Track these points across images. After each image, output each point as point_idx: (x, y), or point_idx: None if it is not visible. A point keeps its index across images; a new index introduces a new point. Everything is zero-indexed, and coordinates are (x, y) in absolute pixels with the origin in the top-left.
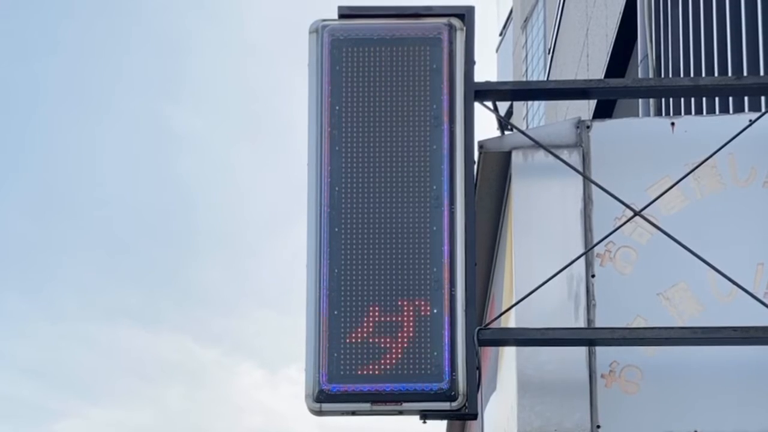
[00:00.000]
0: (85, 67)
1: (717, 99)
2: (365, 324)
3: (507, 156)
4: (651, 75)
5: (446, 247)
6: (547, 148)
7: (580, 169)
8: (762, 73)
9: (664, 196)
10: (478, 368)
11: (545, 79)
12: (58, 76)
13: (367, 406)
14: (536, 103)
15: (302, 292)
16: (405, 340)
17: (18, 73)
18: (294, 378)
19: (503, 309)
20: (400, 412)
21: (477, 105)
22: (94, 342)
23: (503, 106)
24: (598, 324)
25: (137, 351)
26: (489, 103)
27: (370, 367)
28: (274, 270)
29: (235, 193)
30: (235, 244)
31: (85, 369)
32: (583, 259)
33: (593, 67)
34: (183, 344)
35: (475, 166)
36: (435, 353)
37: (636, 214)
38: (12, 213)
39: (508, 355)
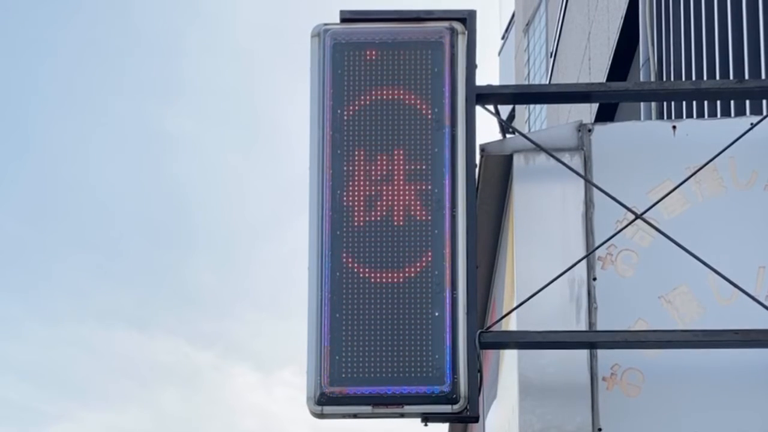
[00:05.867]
0: (81, 71)
1: (718, 102)
2: (366, 327)
3: (508, 159)
4: (653, 78)
5: (448, 250)
6: (549, 152)
7: (582, 172)
8: (763, 76)
9: (665, 199)
10: (480, 371)
11: (547, 82)
12: (54, 79)
13: (368, 408)
14: (538, 106)
15: (296, 294)
16: (406, 342)
17: (14, 77)
18: (289, 380)
19: (504, 312)
20: (402, 415)
21: (479, 108)
22: (87, 344)
23: (505, 110)
24: (599, 327)
25: (131, 353)
26: (491, 107)
27: (372, 369)
28: (267, 273)
29: (229, 196)
30: (229, 246)
31: (78, 372)
32: (584, 262)
33: (595, 70)
34: (177, 347)
35: (477, 170)
36: (436, 356)
37: (637, 217)
38: (5, 215)
39: (510, 358)
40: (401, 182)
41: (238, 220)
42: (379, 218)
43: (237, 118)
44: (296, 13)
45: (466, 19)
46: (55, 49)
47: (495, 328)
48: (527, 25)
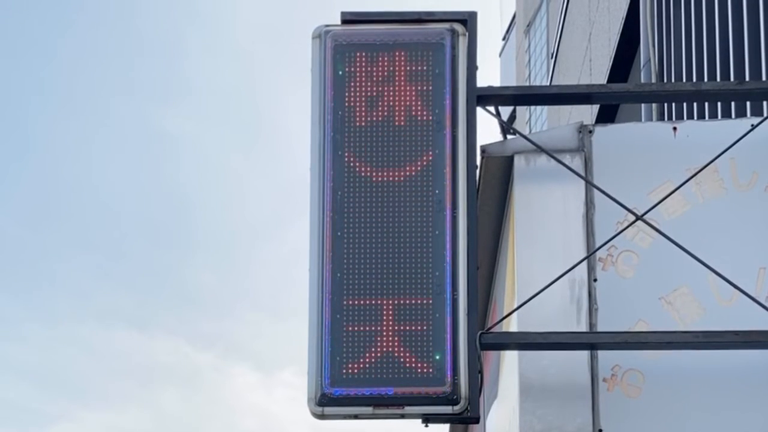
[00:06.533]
0: (82, 72)
1: (719, 103)
2: (367, 328)
3: (509, 160)
4: (653, 80)
5: (448, 251)
6: (550, 153)
7: (583, 173)
8: (764, 77)
9: (666, 200)
10: (480, 372)
11: (548, 83)
12: (55, 80)
13: (369, 409)
14: (539, 107)
15: (296, 294)
16: (407, 343)
17: (15, 78)
18: (289, 381)
19: (505, 313)
20: (402, 416)
21: (479, 109)
22: (88, 345)
23: (506, 111)
24: (600, 328)
25: (131, 354)
26: (491, 108)
27: (373, 370)
28: (267, 273)
29: (229, 196)
30: (229, 246)
31: (79, 372)
32: (585, 263)
33: (596, 71)
34: (177, 347)
35: (478, 171)
36: (437, 357)
37: (638, 218)
38: (6, 216)
39: (510, 359)
40: (402, 183)
41: (238, 220)
42: (379, 219)
43: (238, 118)
44: (297, 14)
45: (467, 20)
46: (56, 50)
47: (496, 329)
48: (528, 26)
